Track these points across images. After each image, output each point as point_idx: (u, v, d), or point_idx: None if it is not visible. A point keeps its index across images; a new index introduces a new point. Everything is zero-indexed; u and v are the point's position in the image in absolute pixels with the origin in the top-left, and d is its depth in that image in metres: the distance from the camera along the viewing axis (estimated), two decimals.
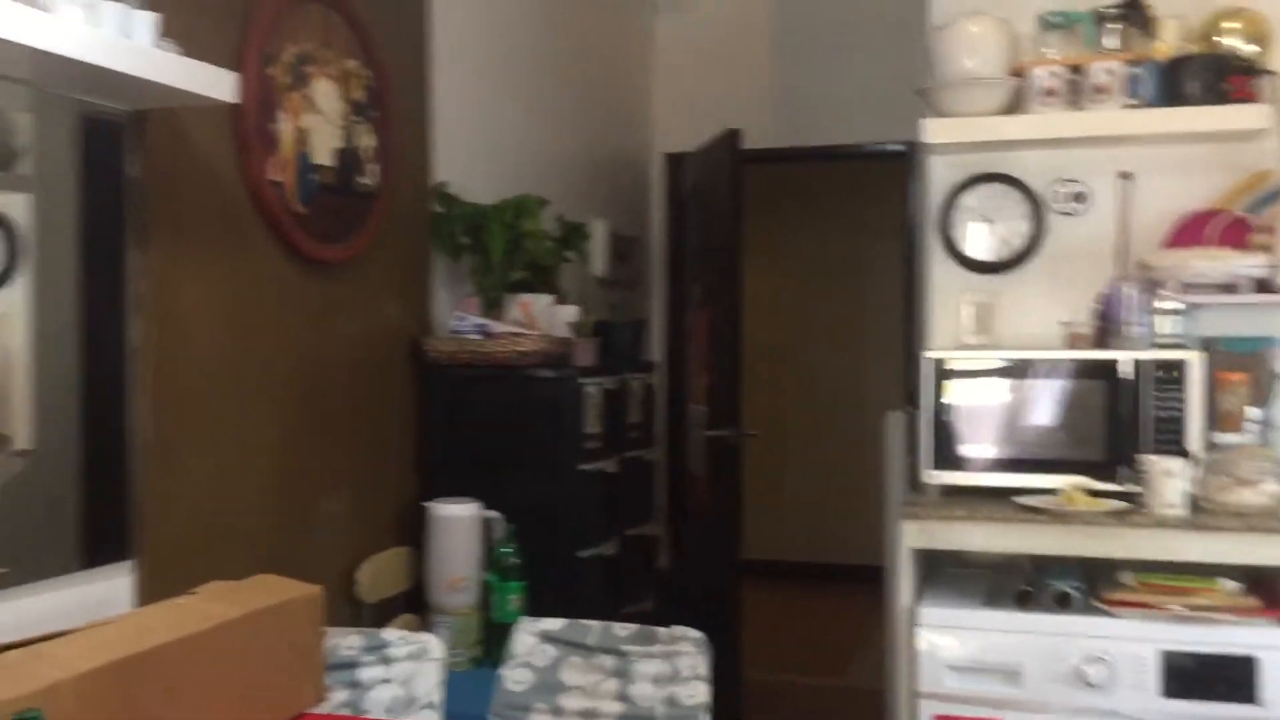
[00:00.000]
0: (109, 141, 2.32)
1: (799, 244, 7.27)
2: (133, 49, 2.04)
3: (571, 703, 2.34)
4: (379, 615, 3.10)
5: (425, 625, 3.16)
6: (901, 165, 4.83)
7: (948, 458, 2.82)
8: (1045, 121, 2.92)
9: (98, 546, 2.33)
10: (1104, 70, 2.87)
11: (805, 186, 6.98)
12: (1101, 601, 2.58)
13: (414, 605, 3.26)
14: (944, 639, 2.59)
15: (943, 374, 2.84)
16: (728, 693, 4.47)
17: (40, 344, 2.24)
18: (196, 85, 2.19)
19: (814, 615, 6.33)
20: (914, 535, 2.68)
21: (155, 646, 1.73)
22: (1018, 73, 2.99)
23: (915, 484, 2.96)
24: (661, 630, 2.35)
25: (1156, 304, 2.81)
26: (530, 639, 2.41)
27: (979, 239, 3.19)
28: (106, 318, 2.35)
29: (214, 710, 1.82)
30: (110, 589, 2.32)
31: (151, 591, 2.32)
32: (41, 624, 1.86)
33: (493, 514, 3.25)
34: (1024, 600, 2.58)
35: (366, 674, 2.33)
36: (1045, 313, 3.08)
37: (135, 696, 1.67)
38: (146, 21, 2.09)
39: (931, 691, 2.59)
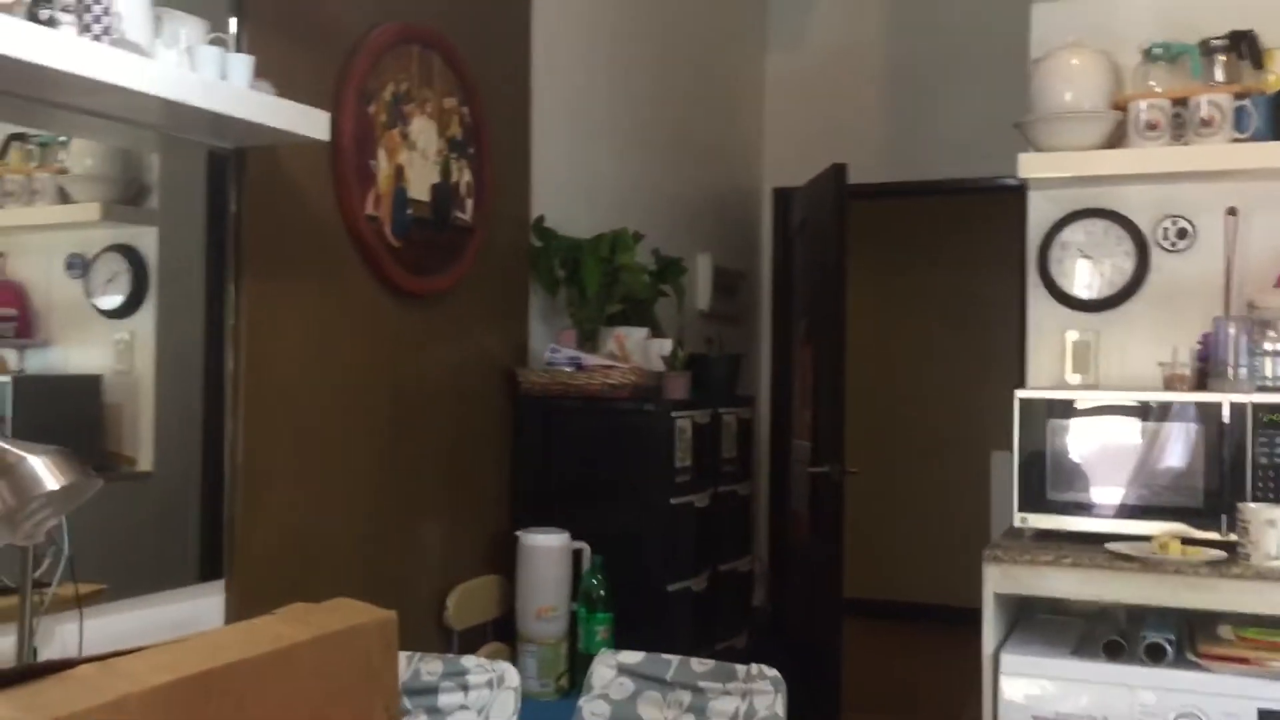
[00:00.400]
0: (220, 178, 2.45)
1: (910, 280, 7.17)
2: (228, 90, 2.13)
3: None
4: (468, 642, 3.15)
5: (513, 654, 3.20)
6: (1017, 199, 4.74)
7: (1039, 501, 2.74)
8: (1146, 156, 2.84)
9: (193, 566, 2.43)
10: (1210, 103, 2.78)
11: (918, 221, 6.90)
12: (1197, 655, 2.46)
13: (503, 633, 3.29)
14: (1027, 687, 2.51)
15: (1036, 414, 2.76)
16: None
17: (162, 370, 2.36)
18: (290, 124, 2.28)
19: (917, 657, 6.18)
20: (997, 580, 2.61)
21: (224, 665, 1.78)
22: (1119, 106, 2.91)
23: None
24: (740, 667, 2.33)
25: (1264, 345, 2.69)
26: (609, 671, 2.42)
27: (1079, 276, 3.11)
28: (211, 347, 2.46)
29: None
30: (202, 607, 2.41)
31: (241, 611, 2.40)
32: (134, 639, 1.93)
33: (581, 544, 3.27)
34: (1113, 651, 2.48)
35: (445, 700, 2.36)
36: (1148, 352, 2.98)
37: (202, 713, 1.72)
38: (243, 64, 2.18)
39: None
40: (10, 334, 2.13)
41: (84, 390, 2.28)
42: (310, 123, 2.32)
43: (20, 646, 1.89)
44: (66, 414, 2.24)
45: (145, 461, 2.36)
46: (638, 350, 3.54)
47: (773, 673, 2.29)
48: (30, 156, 2.18)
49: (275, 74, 2.32)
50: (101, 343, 2.30)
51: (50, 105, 2.03)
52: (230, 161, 2.45)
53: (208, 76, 2.10)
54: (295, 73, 2.52)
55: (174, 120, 2.20)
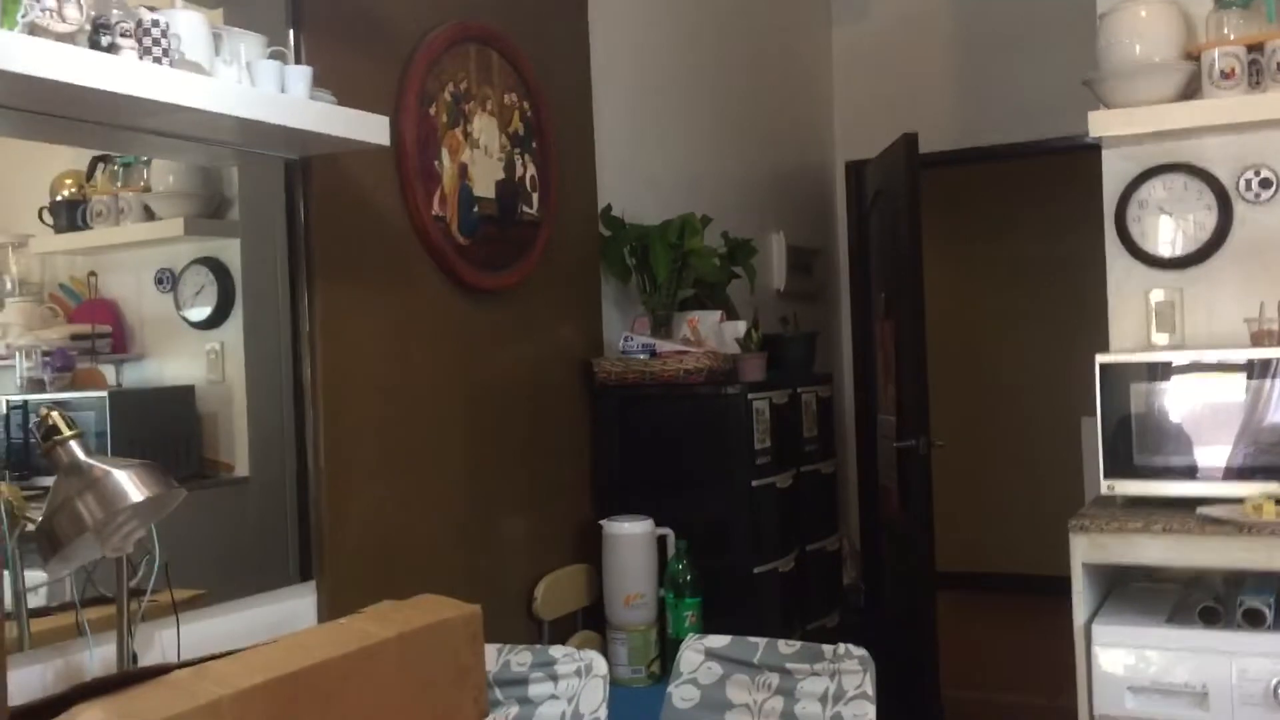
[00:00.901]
0: (290, 188, 2.50)
1: (990, 247, 7.05)
2: (288, 102, 2.17)
3: None
4: (558, 632, 3.18)
5: (603, 642, 3.22)
6: (1096, 159, 4.62)
7: (1127, 467, 2.68)
8: (1222, 106, 2.75)
9: (293, 567, 2.49)
10: None
11: (995, 187, 6.77)
12: None
13: (592, 622, 3.32)
14: (1122, 658, 2.46)
15: (1117, 379, 2.69)
16: (926, 710, 4.39)
17: (252, 378, 2.43)
18: (350, 131, 2.31)
19: (1015, 630, 6.09)
20: (1085, 549, 2.55)
21: (312, 665, 1.83)
22: (1192, 56, 2.83)
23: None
24: (827, 647, 2.32)
25: None
26: (696, 656, 2.42)
27: (1161, 233, 3.03)
28: (296, 353, 2.53)
29: None
30: (295, 608, 2.47)
31: (332, 610, 2.46)
32: (231, 642, 1.99)
33: (665, 530, 3.29)
34: (1209, 617, 2.42)
35: (535, 690, 2.39)
36: (1235, 309, 2.89)
37: (292, 712, 1.77)
38: (301, 75, 2.22)
39: (1111, 714, 2.46)
40: (106, 350, 2.21)
41: (179, 401, 2.35)
42: (370, 128, 2.36)
43: (119, 654, 1.96)
44: (163, 425, 2.32)
45: (242, 467, 2.43)
46: (712, 334, 3.54)
47: (860, 651, 2.28)
48: (115, 177, 2.25)
49: (335, 82, 2.36)
50: (193, 354, 2.38)
51: (119, 128, 2.09)
52: (297, 171, 2.49)
53: (268, 90, 2.14)
54: (355, 80, 2.56)
55: (239, 135, 2.25)
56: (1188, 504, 2.60)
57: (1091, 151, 3.13)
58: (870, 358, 5.25)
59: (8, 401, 2.04)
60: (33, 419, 1.93)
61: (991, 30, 5.12)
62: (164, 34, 1.91)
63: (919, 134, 4.40)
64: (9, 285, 2.07)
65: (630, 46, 3.85)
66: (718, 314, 3.59)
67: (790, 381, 3.66)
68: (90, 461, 1.72)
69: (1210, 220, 2.96)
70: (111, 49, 1.84)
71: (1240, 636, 2.39)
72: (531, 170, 3.19)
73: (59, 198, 2.16)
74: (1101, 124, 2.88)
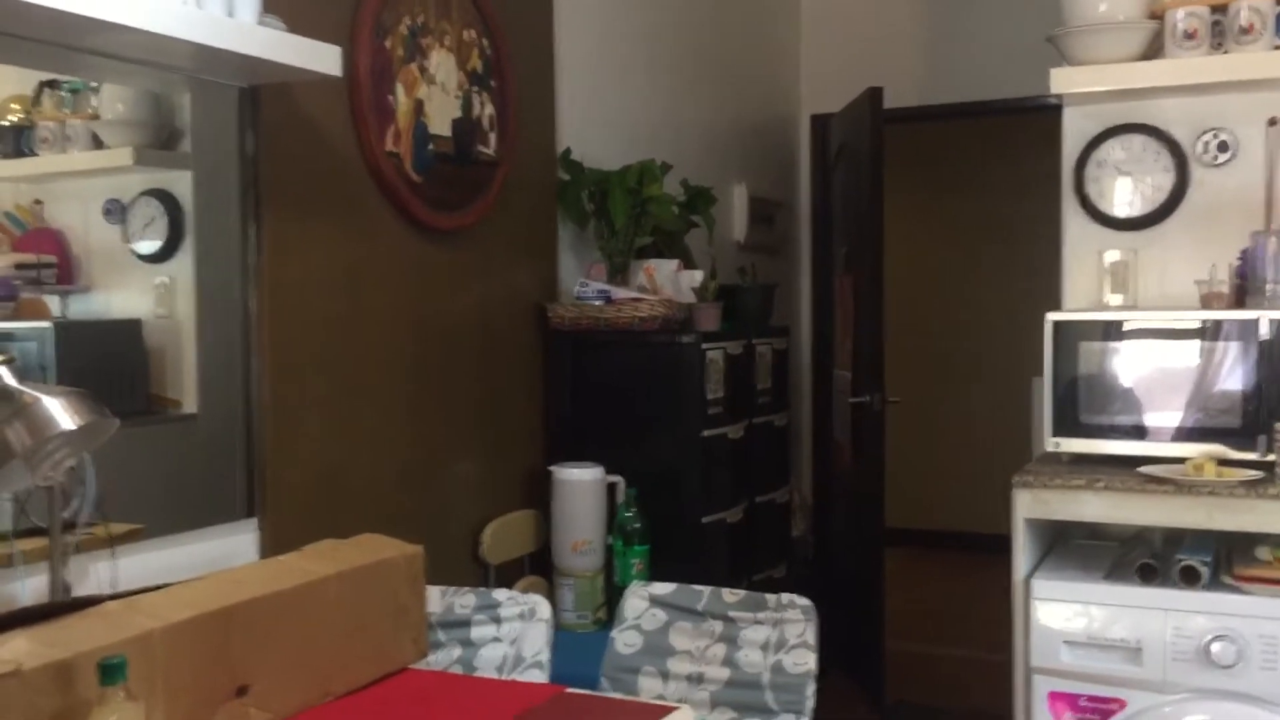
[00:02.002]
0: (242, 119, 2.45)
1: (952, 205, 7.06)
2: (234, 26, 2.12)
3: (679, 666, 2.35)
4: (504, 577, 3.18)
5: (550, 587, 3.22)
6: (1058, 119, 4.62)
7: (1073, 425, 2.69)
8: (1184, 66, 2.74)
9: (240, 504, 2.47)
10: (1250, 9, 2.67)
11: (959, 145, 6.77)
12: (1233, 577, 2.42)
13: (540, 567, 3.32)
14: (1059, 612, 2.48)
15: (1068, 337, 2.70)
16: (870, 662, 4.44)
17: (202, 313, 2.39)
18: (300, 60, 2.27)
19: (961, 585, 6.17)
20: (1027, 504, 2.57)
21: (247, 600, 1.81)
22: (1155, 15, 2.81)
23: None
24: (770, 597, 2.32)
25: None
26: (640, 603, 2.43)
27: (1118, 194, 3.03)
28: (245, 289, 2.48)
29: (307, 663, 1.89)
30: (236, 545, 2.45)
31: (274, 549, 2.43)
32: (168, 577, 1.96)
33: (615, 478, 3.28)
34: (1146, 574, 2.44)
35: (477, 632, 2.39)
36: (1188, 271, 2.89)
37: (226, 647, 1.75)
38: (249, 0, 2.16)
39: (1046, 667, 2.49)
40: (51, 281, 2.16)
41: (125, 335, 2.31)
42: (321, 58, 2.31)
43: (51, 584, 1.93)
44: (109, 359, 2.28)
45: (190, 404, 2.40)
46: (668, 282, 3.52)
47: (804, 601, 2.29)
48: (63, 103, 2.20)
49: (287, 10, 2.31)
50: (141, 287, 2.34)
51: (62, 47, 2.04)
52: (247, 101, 2.44)
53: (214, 13, 2.09)
54: (307, 8, 2.50)
55: (185, 59, 2.20)
56: (1131, 463, 2.62)
57: (1055, 111, 3.12)
58: (829, 313, 5.26)
59: None
60: None
61: None
62: None
63: (885, 89, 4.37)
64: None
65: None
66: (675, 263, 3.57)
67: (745, 333, 3.65)
68: (20, 387, 1.69)
69: (1167, 182, 2.97)
70: None
71: (1176, 594, 2.41)
72: (490, 109, 3.14)
73: (4, 123, 2.11)
74: (1063, 80, 2.86)
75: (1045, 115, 3.48)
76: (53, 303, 2.17)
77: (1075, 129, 3.06)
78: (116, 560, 2.10)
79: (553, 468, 3.26)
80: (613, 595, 3.15)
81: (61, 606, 1.70)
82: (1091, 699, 2.46)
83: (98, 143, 2.24)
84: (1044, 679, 2.49)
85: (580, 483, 3.22)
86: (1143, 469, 2.55)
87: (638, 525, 3.21)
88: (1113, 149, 3.01)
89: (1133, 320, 2.70)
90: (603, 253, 3.54)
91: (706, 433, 3.35)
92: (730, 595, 2.36)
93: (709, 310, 3.45)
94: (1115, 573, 2.55)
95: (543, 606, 2.36)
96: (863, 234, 4.52)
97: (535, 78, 3.42)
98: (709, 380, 3.35)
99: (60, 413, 1.68)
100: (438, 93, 2.95)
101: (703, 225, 3.76)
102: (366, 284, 2.79)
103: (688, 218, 3.72)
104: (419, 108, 2.89)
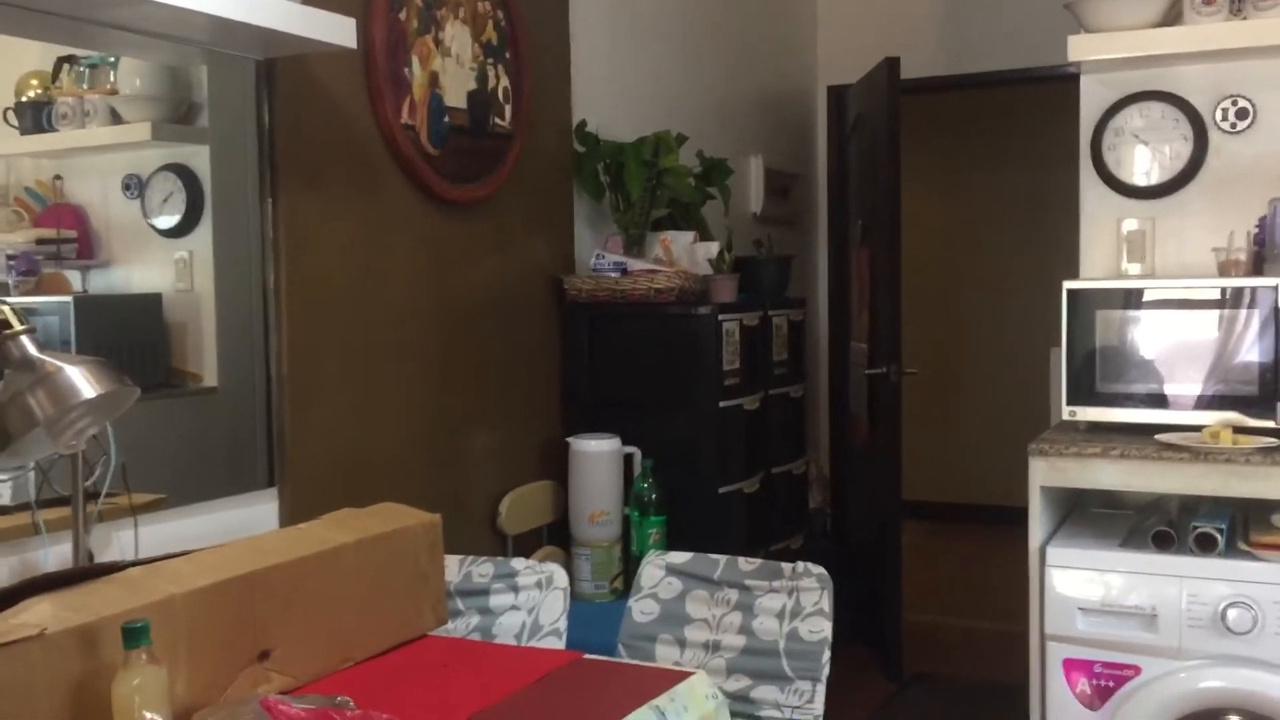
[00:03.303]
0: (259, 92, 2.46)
1: (970, 176, 7.01)
2: None
3: (696, 635, 2.37)
4: (522, 547, 3.20)
5: (568, 557, 3.25)
6: (1077, 88, 4.59)
7: (1089, 394, 2.69)
8: (1202, 32, 2.72)
9: (261, 475, 2.49)
10: None
11: (978, 115, 6.72)
12: (1249, 544, 2.42)
13: (557, 538, 3.34)
14: (1074, 579, 2.49)
15: (1084, 306, 2.70)
16: (887, 633, 4.45)
17: (221, 287, 2.41)
18: (314, 31, 2.26)
19: (979, 557, 6.17)
20: (1043, 472, 2.57)
21: (267, 567, 1.83)
22: None
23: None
24: (786, 565, 2.34)
25: None
26: (657, 571, 2.45)
27: (1137, 162, 3.01)
28: (259, 263, 2.50)
29: (327, 630, 1.91)
30: (257, 514, 2.48)
31: (294, 518, 2.46)
32: (190, 545, 1.98)
33: (632, 449, 3.30)
34: (1162, 542, 2.44)
35: (495, 601, 2.41)
36: (1206, 239, 2.89)
37: (247, 613, 1.77)
38: None
39: (1061, 634, 2.50)
40: (72, 256, 2.18)
41: (146, 309, 2.33)
42: (336, 30, 2.31)
43: (75, 551, 1.96)
44: (129, 333, 2.30)
45: (210, 377, 2.42)
46: (684, 254, 3.52)
47: (819, 570, 2.30)
48: (81, 78, 2.21)
49: None
50: (161, 262, 2.35)
51: (81, 20, 2.05)
52: (263, 73, 2.45)
53: None
54: None
55: (202, 31, 2.20)
56: (1147, 431, 2.62)
57: (1073, 81, 3.10)
58: (845, 284, 5.25)
59: None
60: None
61: None
62: None
63: (902, 59, 4.35)
64: None
65: None
66: (691, 234, 3.57)
67: (762, 305, 3.65)
68: (42, 357, 1.71)
69: (1186, 150, 2.95)
70: None
71: (1191, 561, 2.42)
72: (505, 82, 3.14)
73: (24, 99, 2.12)
74: (1081, 48, 2.85)
75: (1063, 85, 3.47)
76: (74, 278, 2.19)
77: (1093, 97, 3.05)
78: (139, 529, 2.13)
79: (570, 439, 3.27)
80: (630, 565, 3.17)
81: (85, 572, 1.73)
82: (1107, 665, 2.47)
83: (116, 118, 2.25)
84: (1059, 646, 2.50)
85: (597, 454, 3.24)
86: (1159, 437, 2.55)
87: (654, 496, 3.22)
88: (1131, 117, 3.00)
89: (1149, 289, 2.69)
90: (619, 225, 3.54)
91: (723, 404, 3.36)
92: (746, 564, 2.38)
93: (725, 282, 3.45)
94: (1131, 540, 2.55)
95: (560, 575, 2.38)
96: (879, 206, 4.50)
97: (550, 50, 3.42)
98: (725, 352, 3.36)
99: (82, 381, 1.70)
100: (453, 65, 2.96)
101: (719, 197, 3.76)
102: (383, 257, 2.80)
103: (704, 190, 3.72)
104: (434, 80, 2.89)
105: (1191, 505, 2.64)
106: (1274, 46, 2.74)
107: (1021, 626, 2.67)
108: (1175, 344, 2.65)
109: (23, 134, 2.11)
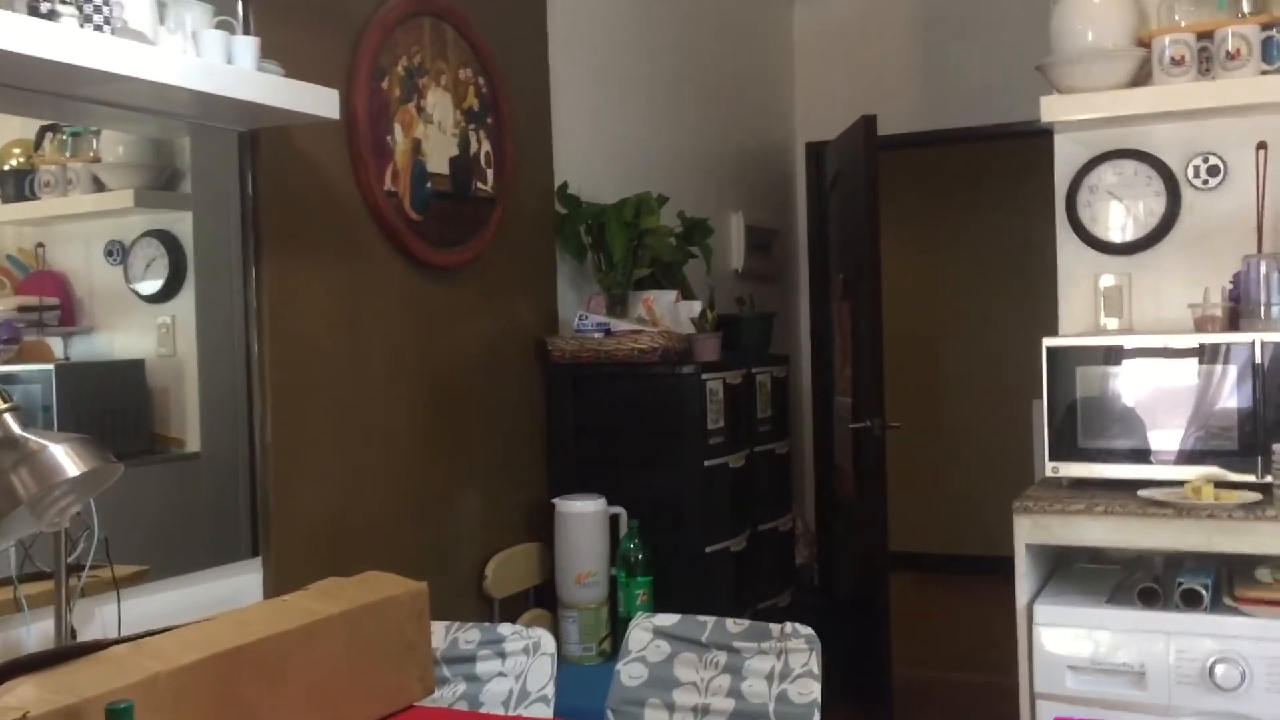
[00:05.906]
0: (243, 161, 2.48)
1: (948, 230, 7.08)
2: (234, 73, 2.15)
3: (685, 698, 2.35)
4: (509, 610, 3.19)
5: (555, 620, 3.23)
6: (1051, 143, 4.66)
7: (1071, 449, 2.71)
8: (1172, 93, 2.77)
9: (244, 544, 2.48)
10: (1236, 35, 2.71)
11: (954, 170, 6.81)
12: (1235, 599, 2.43)
13: (544, 600, 3.33)
14: (1063, 637, 2.49)
15: (1064, 362, 2.72)
16: (877, 687, 4.43)
17: (204, 353, 2.42)
18: (298, 104, 2.29)
19: (967, 609, 6.16)
20: (1028, 530, 2.58)
21: (253, 641, 1.82)
22: (1143, 43, 2.85)
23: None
24: (774, 626, 2.33)
25: None
26: (645, 634, 2.43)
27: (1112, 218, 3.05)
28: (248, 328, 2.51)
29: (315, 703, 1.90)
30: (241, 585, 2.46)
31: (279, 588, 2.45)
32: (174, 619, 1.97)
33: (618, 509, 3.29)
34: (1148, 598, 2.45)
35: (482, 668, 2.39)
36: (1182, 294, 2.92)
37: (233, 689, 1.76)
38: (248, 46, 2.20)
39: (1052, 693, 2.49)
40: (55, 322, 2.18)
41: (128, 375, 2.33)
42: (319, 101, 2.33)
43: (57, 629, 1.94)
44: (112, 399, 2.30)
45: (193, 442, 2.42)
46: (667, 313, 3.54)
47: (807, 630, 2.30)
48: (64, 147, 2.22)
49: (285, 55, 2.34)
50: (144, 328, 2.36)
51: (63, 97, 2.07)
52: (247, 144, 2.47)
53: (213, 61, 2.12)
54: (306, 52, 2.53)
55: (185, 106, 2.22)
56: (1130, 486, 2.63)
57: (1047, 137, 3.15)
58: (828, 339, 5.28)
59: None
60: None
61: (951, 13, 5.13)
62: (105, 1, 1.89)
63: (879, 116, 4.41)
64: None
65: (588, 23, 3.83)
66: (673, 294, 3.59)
67: (745, 362, 3.67)
68: (25, 435, 1.70)
69: (1159, 206, 2.99)
70: (51, 16, 1.81)
71: (1178, 617, 2.42)
72: (486, 146, 3.17)
73: (6, 167, 2.13)
74: (1053, 109, 2.90)
75: (1037, 139, 3.53)
76: (56, 344, 2.19)
77: (1066, 155, 3.09)
78: (122, 603, 2.11)
79: (555, 500, 3.27)
80: (617, 626, 3.15)
81: (68, 651, 1.72)
82: None
83: (99, 185, 2.27)
84: (1049, 704, 2.50)
85: (583, 514, 3.23)
86: (1142, 493, 2.56)
87: (641, 556, 3.22)
88: (1104, 174, 3.04)
89: (1127, 345, 2.72)
90: (601, 285, 3.56)
91: (708, 462, 3.36)
92: (734, 625, 2.37)
93: (708, 341, 3.47)
94: (1117, 596, 2.55)
95: (547, 640, 2.36)
96: (859, 260, 4.54)
97: (531, 114, 3.45)
98: (710, 410, 3.37)
99: (66, 459, 1.70)
100: (435, 132, 2.99)
101: (700, 256, 3.78)
102: (367, 322, 2.81)
103: (685, 249, 3.75)
104: (417, 147, 2.92)
105: (1176, 560, 2.65)
106: (1242, 106, 2.80)
107: (1012, 679, 2.67)
108: (1154, 400, 2.67)
109: (5, 202, 2.12)
